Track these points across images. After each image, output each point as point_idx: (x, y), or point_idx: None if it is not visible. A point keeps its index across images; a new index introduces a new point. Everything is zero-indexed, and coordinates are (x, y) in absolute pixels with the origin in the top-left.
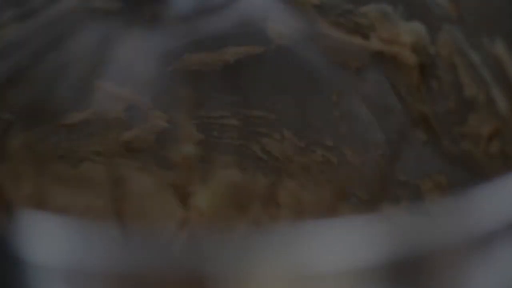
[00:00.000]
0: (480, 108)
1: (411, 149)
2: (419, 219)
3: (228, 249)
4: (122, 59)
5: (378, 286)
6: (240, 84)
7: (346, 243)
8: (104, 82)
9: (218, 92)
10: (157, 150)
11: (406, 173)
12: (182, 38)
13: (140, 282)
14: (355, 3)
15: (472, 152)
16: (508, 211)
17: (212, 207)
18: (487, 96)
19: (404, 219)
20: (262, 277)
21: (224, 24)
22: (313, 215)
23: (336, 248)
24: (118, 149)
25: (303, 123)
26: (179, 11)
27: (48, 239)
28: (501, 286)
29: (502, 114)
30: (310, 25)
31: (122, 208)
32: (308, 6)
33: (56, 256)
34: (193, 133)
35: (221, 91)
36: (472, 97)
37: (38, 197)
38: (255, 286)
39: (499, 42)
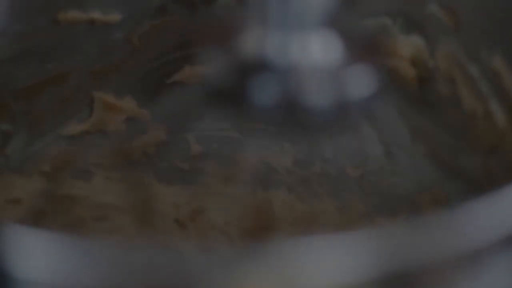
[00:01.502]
0: (478, 122)
1: (410, 163)
2: (414, 233)
3: (220, 263)
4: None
5: None
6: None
7: (340, 257)
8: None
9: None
10: (156, 163)
11: (404, 186)
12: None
13: None
14: (354, 16)
15: (470, 166)
16: (506, 224)
17: (213, 221)
18: (485, 109)
19: (399, 233)
20: None
21: None
22: (310, 228)
23: (330, 262)
24: (118, 160)
25: (302, 135)
26: None
27: (37, 255)
28: None
29: (501, 127)
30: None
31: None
32: None
33: (45, 272)
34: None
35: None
36: (470, 110)
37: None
38: None
39: (497, 55)
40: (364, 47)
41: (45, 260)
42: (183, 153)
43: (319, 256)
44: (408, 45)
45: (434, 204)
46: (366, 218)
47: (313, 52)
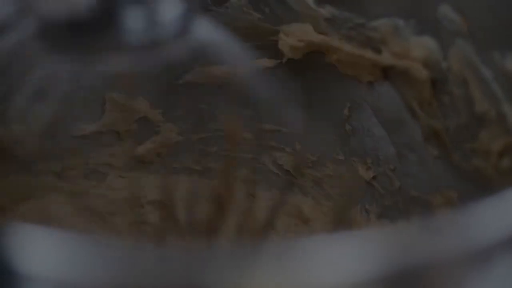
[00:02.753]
0: (491, 123)
1: (422, 164)
2: (423, 232)
3: (227, 263)
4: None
5: None
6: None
7: (348, 256)
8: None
9: (229, 105)
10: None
11: (417, 188)
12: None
13: None
14: (366, 17)
15: (482, 168)
16: None
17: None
18: (498, 111)
19: (408, 232)
20: None
21: None
22: (322, 228)
23: (340, 260)
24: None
25: (315, 137)
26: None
27: (41, 251)
28: None
29: None
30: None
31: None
32: (319, 20)
33: (49, 268)
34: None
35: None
36: (483, 112)
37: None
38: None
39: (510, 57)
40: None
41: (52, 258)
42: (196, 153)
43: (326, 256)
44: (420, 46)
45: (446, 206)
46: (378, 219)
47: None
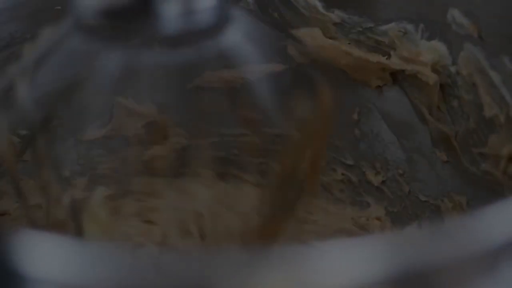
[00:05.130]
0: (500, 128)
1: (431, 169)
2: (431, 237)
3: (235, 266)
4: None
5: None
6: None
7: (359, 260)
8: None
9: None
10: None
11: (426, 192)
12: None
13: None
14: (375, 21)
15: (492, 172)
16: None
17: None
18: (507, 116)
19: (417, 236)
20: None
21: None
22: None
23: (349, 265)
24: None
25: None
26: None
27: (48, 255)
28: None
29: None
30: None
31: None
32: (329, 24)
33: (55, 271)
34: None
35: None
36: (492, 117)
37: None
38: None
39: None
40: None
41: (58, 261)
42: (204, 158)
43: (335, 260)
44: (429, 51)
45: (455, 210)
46: (387, 223)
47: None
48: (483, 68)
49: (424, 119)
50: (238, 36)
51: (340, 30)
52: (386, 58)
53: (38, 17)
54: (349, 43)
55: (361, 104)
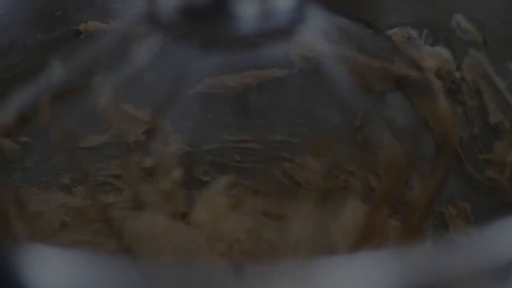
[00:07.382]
0: (505, 134)
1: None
2: (440, 250)
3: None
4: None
5: None
6: (262, 107)
7: (368, 273)
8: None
9: (239, 115)
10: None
11: None
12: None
13: None
14: (379, 26)
15: (497, 179)
16: None
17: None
18: None
19: (427, 250)
20: None
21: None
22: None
23: (358, 278)
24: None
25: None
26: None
27: (53, 269)
28: None
29: None
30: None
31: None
32: (331, 29)
33: (60, 285)
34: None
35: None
36: (497, 123)
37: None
38: None
39: None
40: None
41: (63, 275)
42: (205, 165)
43: (345, 274)
44: (434, 56)
45: (459, 217)
46: (392, 231)
47: None
48: (488, 74)
49: (427, 125)
50: (312, 34)
51: (344, 35)
52: (390, 64)
53: (38, 23)
54: (352, 49)
55: (364, 109)
